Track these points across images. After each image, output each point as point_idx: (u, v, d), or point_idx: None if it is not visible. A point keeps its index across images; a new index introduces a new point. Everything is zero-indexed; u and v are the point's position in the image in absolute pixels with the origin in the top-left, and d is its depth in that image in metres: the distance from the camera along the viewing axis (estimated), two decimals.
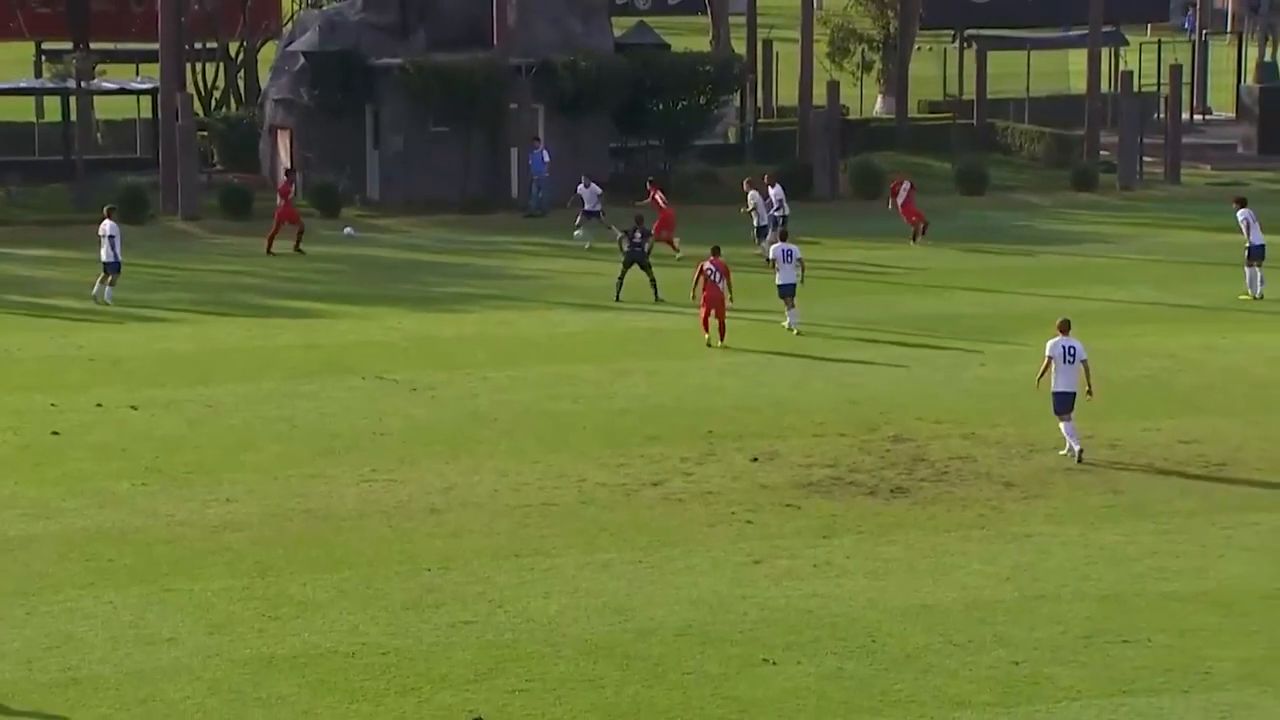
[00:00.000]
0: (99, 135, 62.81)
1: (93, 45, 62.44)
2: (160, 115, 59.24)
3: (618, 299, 42.87)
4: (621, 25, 67.34)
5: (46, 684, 20.83)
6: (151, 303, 43.95)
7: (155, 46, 59.17)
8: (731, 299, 39.27)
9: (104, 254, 43.31)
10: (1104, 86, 67.61)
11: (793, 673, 21.20)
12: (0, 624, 22.64)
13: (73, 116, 61.01)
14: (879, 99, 76.42)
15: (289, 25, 65.79)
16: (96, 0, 64.63)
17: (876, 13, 72.72)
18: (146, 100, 62.70)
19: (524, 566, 24.93)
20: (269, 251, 49.57)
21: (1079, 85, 70.23)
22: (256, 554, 25.46)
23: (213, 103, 66.35)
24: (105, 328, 40.68)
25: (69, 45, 62.72)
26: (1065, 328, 30.09)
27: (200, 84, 65.94)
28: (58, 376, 36.12)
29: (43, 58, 65.38)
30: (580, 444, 31.20)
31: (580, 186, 51.89)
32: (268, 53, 67.96)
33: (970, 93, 71.62)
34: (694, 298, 39.37)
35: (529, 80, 58.65)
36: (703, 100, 61.01)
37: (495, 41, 58.73)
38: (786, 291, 40.48)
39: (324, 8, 63.49)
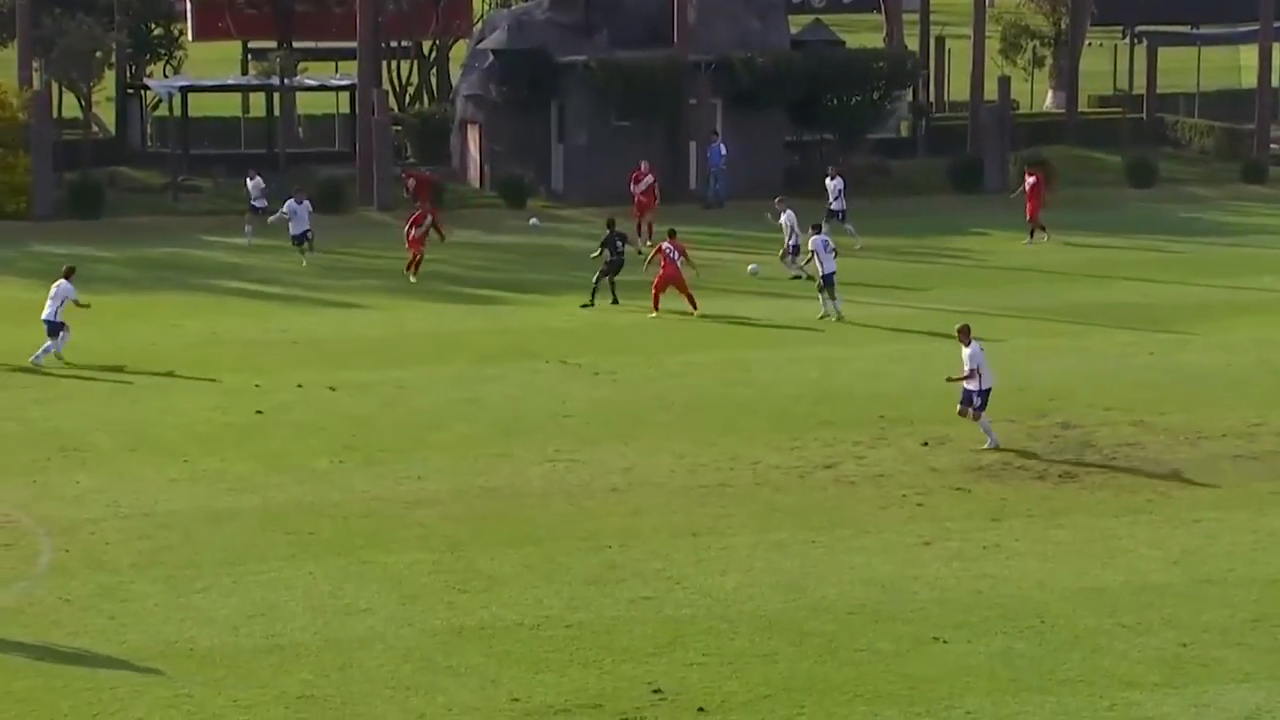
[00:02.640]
0: (300, 130, 63.66)
1: (295, 44, 63.27)
2: (357, 111, 59.92)
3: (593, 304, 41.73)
4: (797, 23, 67.07)
5: (251, 649, 21.13)
6: (348, 289, 44.44)
7: (354, 45, 59.85)
8: (696, 272, 40.71)
9: (46, 312, 35.68)
10: (1275, 81, 66.21)
11: (963, 651, 20.99)
12: (209, 592, 23.01)
13: (276, 112, 61.87)
14: (1049, 94, 75.50)
15: (479, 24, 66.22)
16: (300, 2, 65.43)
17: (1048, 9, 71.77)
18: (345, 96, 63.43)
19: (701, 545, 24.90)
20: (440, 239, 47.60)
21: (1250, 80, 68.85)
22: (446, 529, 25.65)
23: (406, 98, 66.95)
24: (306, 313, 41.19)
25: (274, 44, 63.57)
26: (966, 334, 29.54)
27: (395, 81, 66.56)
28: (261, 358, 36.63)
29: (249, 56, 66.35)
30: (755, 428, 31.12)
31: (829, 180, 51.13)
32: (459, 51, 68.48)
33: (1140, 88, 70.51)
34: (645, 269, 41.24)
35: (708, 76, 58.62)
36: (876, 95, 60.64)
37: (676, 39, 58.74)
38: (830, 282, 40.14)
39: (513, 7, 63.85)
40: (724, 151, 57.32)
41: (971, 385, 29.10)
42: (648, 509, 26.58)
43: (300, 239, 46.69)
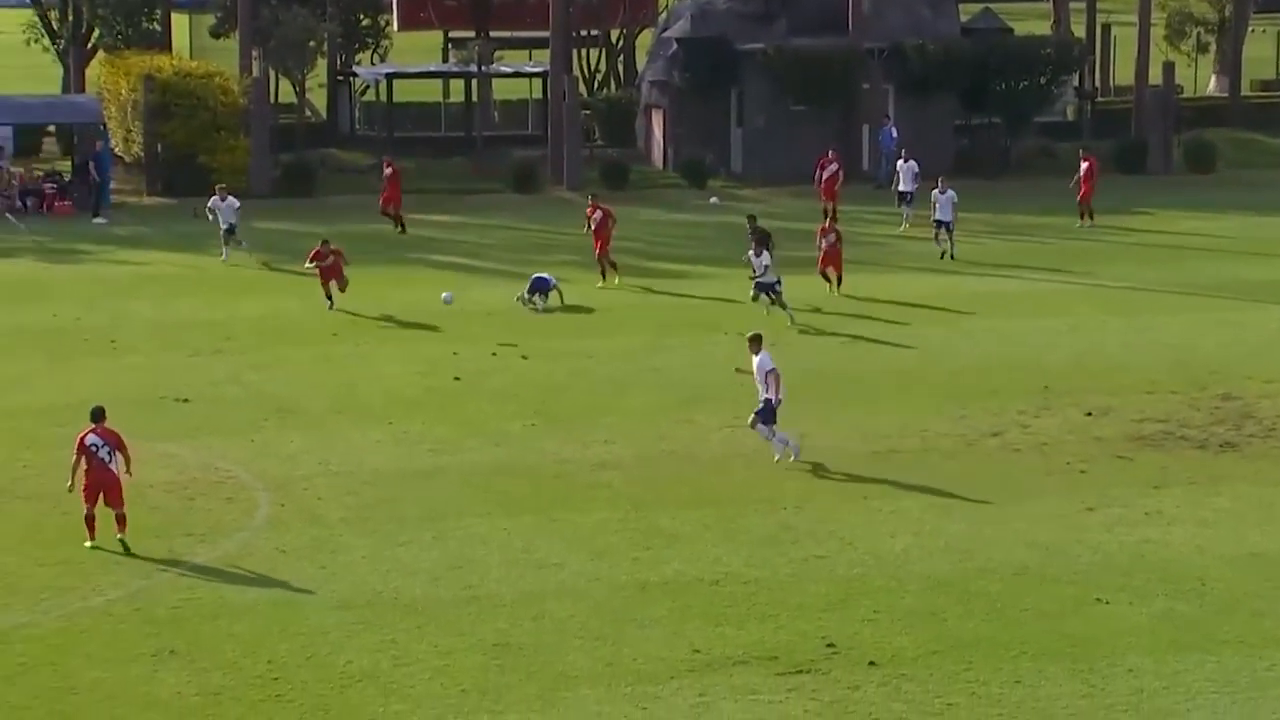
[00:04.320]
0: (496, 114, 64.10)
1: (492, 34, 63.67)
2: (549, 96, 60.22)
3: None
4: (967, 11, 66.30)
5: (450, 600, 21.38)
6: (540, 263, 44.65)
7: (546, 34, 60.17)
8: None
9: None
10: None
11: (1124, 612, 20.71)
12: (411, 545, 23.30)
13: (474, 97, 62.36)
14: (1212, 79, 73.97)
15: (664, 14, 66.26)
16: None
17: None
18: (537, 83, 63.77)
19: (872, 508, 24.78)
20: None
21: None
22: (631, 490, 25.75)
23: (595, 84, 67.18)
24: (500, 286, 41.48)
25: (472, 34, 64.04)
26: (757, 344, 27.23)
27: (584, 68, 66.81)
28: (459, 328, 36.96)
29: (449, 45, 66.89)
30: (922, 397, 30.88)
31: (900, 163, 50.85)
32: (644, 39, 68.55)
33: None
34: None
35: (881, 63, 58.19)
36: (1043, 81, 59.83)
37: (850, 28, 58.39)
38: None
39: None
40: (895, 135, 56.89)
41: (769, 395, 26.68)
42: (822, 473, 26.49)
43: (229, 232, 44.28)
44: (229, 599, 21.35)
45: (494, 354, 34.45)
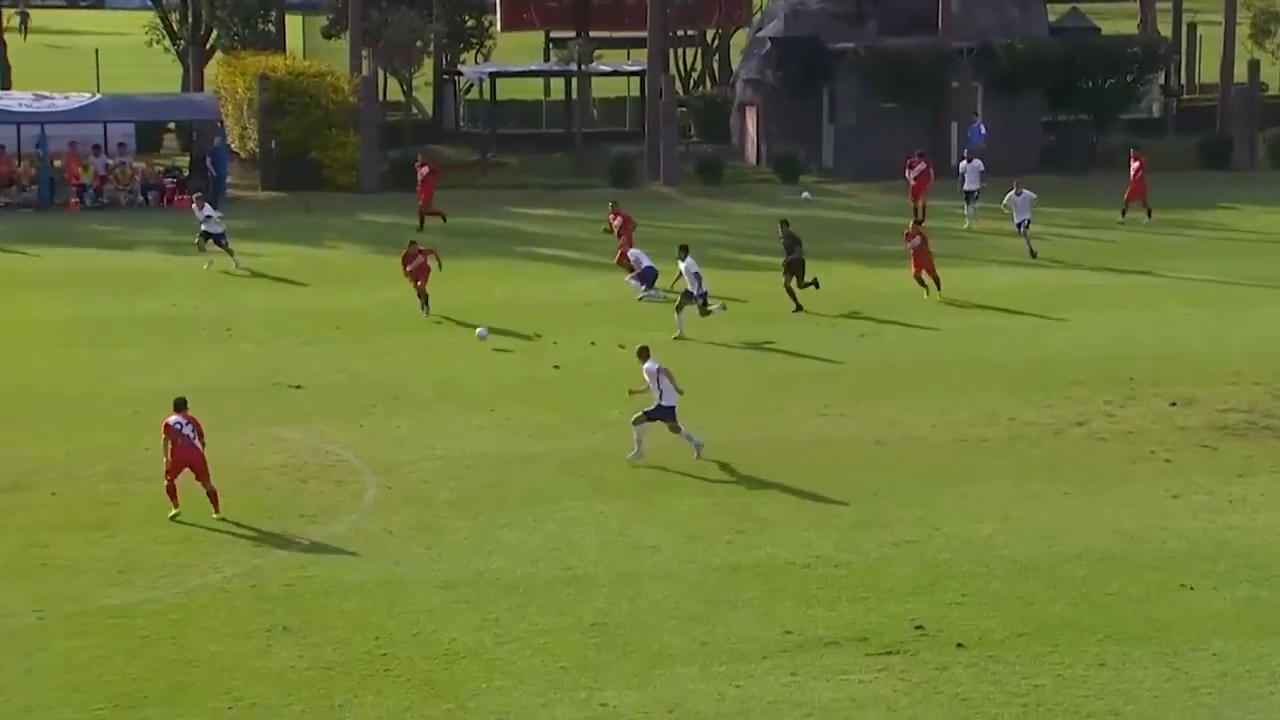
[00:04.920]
0: (595, 111, 64.16)
1: (592, 34, 63.70)
2: (646, 94, 60.20)
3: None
4: (1055, 11, 65.74)
5: (550, 580, 21.43)
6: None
7: (644, 34, 60.14)
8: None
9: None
10: None
11: (1209, 598, 20.48)
12: (512, 528, 23.38)
13: (573, 95, 62.45)
14: None
15: (758, 15, 66.10)
16: None
17: None
18: (635, 81, 63.78)
19: (960, 494, 24.63)
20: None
21: None
22: (723, 475, 25.72)
23: (691, 82, 67.10)
24: (599, 278, 41.53)
25: (572, 34, 64.12)
26: (645, 354, 26.75)
27: (681, 66, 66.75)
28: (559, 318, 37.02)
29: (550, 45, 67.01)
30: (1009, 386, 30.66)
31: (964, 163, 50.15)
32: (739, 39, 68.41)
33: None
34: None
35: (970, 62, 57.77)
36: (1129, 79, 59.25)
37: (940, 27, 57.99)
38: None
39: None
40: (983, 131, 56.47)
41: (665, 401, 26.16)
42: (910, 460, 26.36)
43: (218, 239, 41.97)
44: (339, 577, 21.50)
45: (592, 343, 34.48)
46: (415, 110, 63.42)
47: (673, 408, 26.31)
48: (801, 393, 30.43)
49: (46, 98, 53.26)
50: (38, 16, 74.00)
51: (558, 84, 64.53)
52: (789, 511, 23.95)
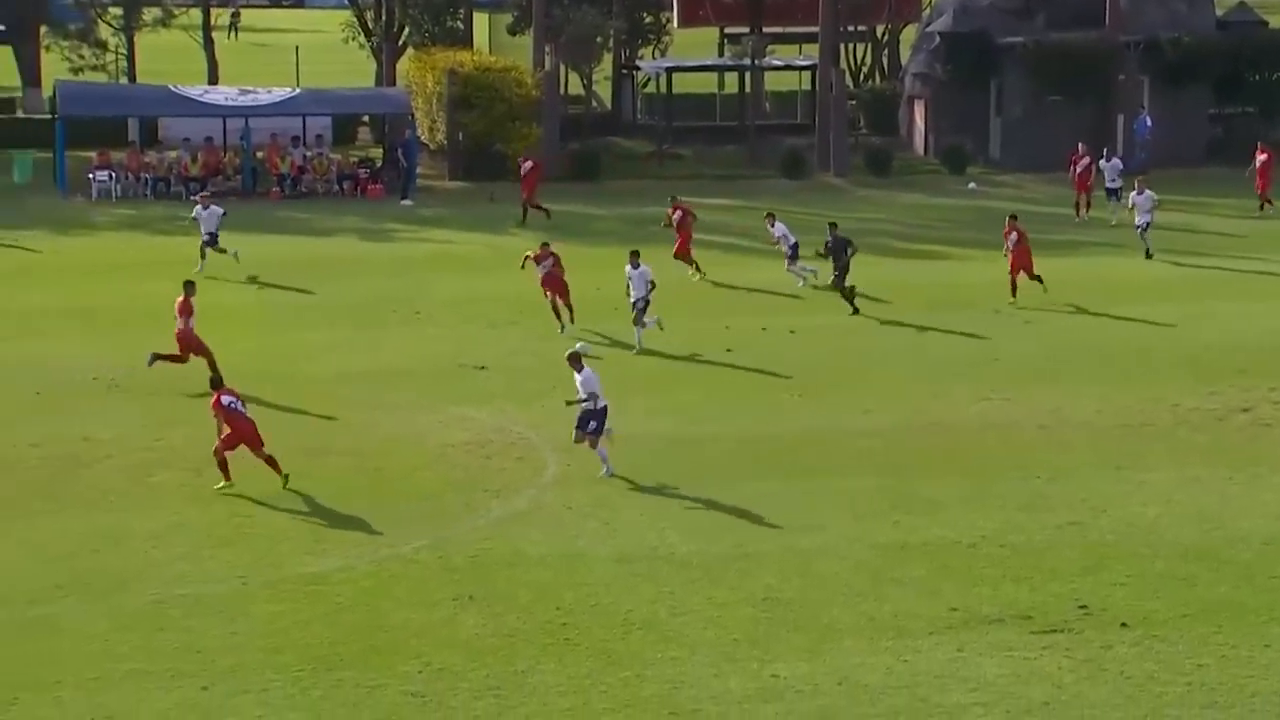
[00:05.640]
0: (767, 105, 63.95)
1: (765, 29, 63.49)
2: (817, 87, 59.88)
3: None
4: (1223, 5, 64.23)
5: (722, 556, 21.43)
6: (803, 243, 44.44)
7: (816, 30, 59.79)
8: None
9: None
10: None
11: None
12: (685, 506, 23.41)
13: (747, 89, 62.30)
14: None
15: (928, 10, 65.43)
16: None
17: None
18: (807, 75, 63.43)
19: (1123, 478, 24.22)
20: None
21: None
22: (889, 458, 25.54)
23: (860, 76, 66.60)
24: (768, 266, 41.39)
25: (746, 30, 63.94)
26: (576, 361, 25.09)
27: (851, 61, 66.25)
28: (731, 304, 36.99)
29: (725, 40, 66.89)
30: (1172, 373, 30.09)
31: (1103, 161, 48.85)
32: (908, 34, 67.78)
33: None
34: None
35: (1136, 56, 56.70)
36: None
37: (1108, 21, 56.99)
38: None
39: None
40: (1149, 124, 55.48)
41: (589, 406, 24.63)
42: (1073, 445, 25.98)
43: (210, 240, 39.67)
44: (521, 550, 21.69)
45: (763, 329, 34.39)
46: (595, 103, 63.68)
47: (605, 409, 24.48)
48: (965, 378, 30.11)
49: (250, 92, 54.27)
50: (242, 16, 75.51)
51: (731, 78, 64.38)
52: (954, 493, 23.72)
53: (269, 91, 54.55)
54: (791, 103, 64.95)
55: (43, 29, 62.55)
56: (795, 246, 38.67)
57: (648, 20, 65.55)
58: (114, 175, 51.96)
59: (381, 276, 40.30)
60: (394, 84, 61.39)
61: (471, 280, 40.22)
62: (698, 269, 39.67)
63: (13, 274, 40.22)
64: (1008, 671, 17.94)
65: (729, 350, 32.59)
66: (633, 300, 32.96)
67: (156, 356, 29.65)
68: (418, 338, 34.00)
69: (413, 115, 57.10)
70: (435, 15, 63.67)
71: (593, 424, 24.63)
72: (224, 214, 40.15)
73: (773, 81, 64.39)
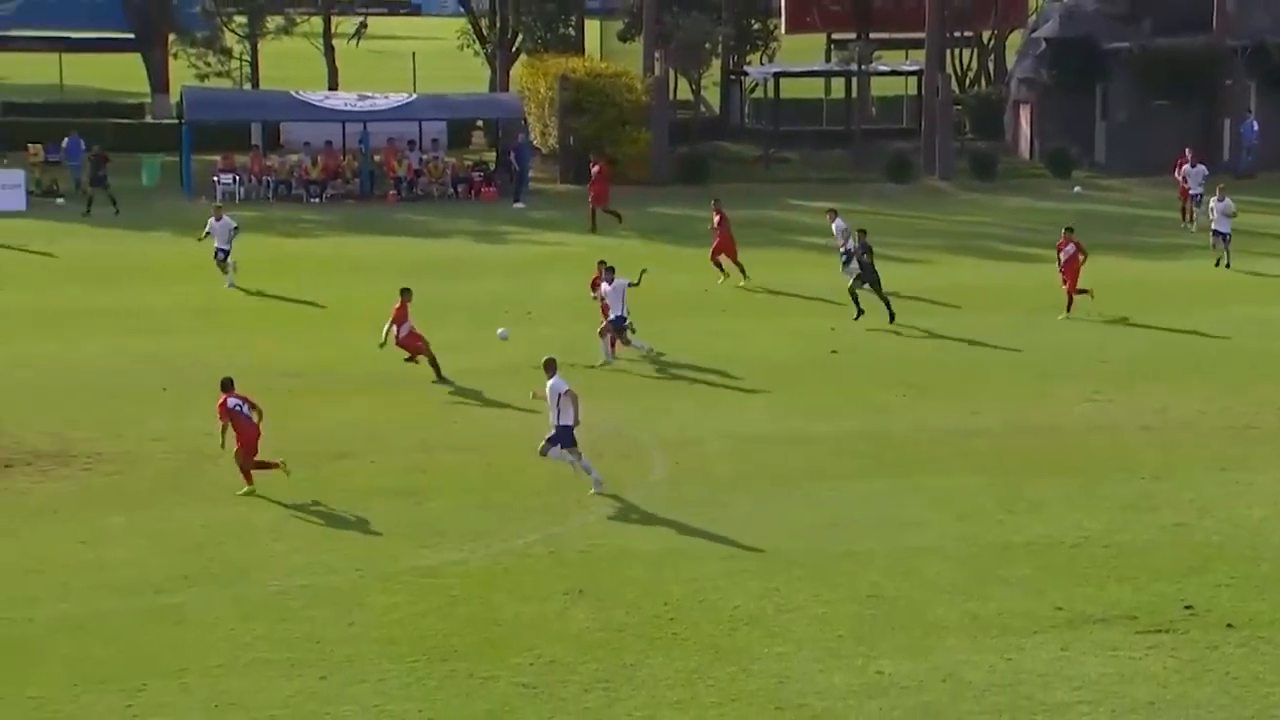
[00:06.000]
0: (873, 109, 63.63)
1: (871, 35, 63.18)
2: (923, 92, 59.50)
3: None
4: None
5: (827, 553, 21.34)
6: (911, 247, 44.25)
7: (922, 36, 59.43)
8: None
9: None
10: None
11: None
12: (790, 503, 23.33)
13: (853, 94, 62.02)
14: None
15: (1034, 16, 64.86)
16: None
17: None
18: (913, 80, 63.04)
19: (1229, 480, 23.87)
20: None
21: None
22: (994, 458, 25.33)
23: (966, 81, 66.11)
24: (880, 267, 41.05)
25: (853, 35, 63.69)
26: (551, 368, 24.00)
27: (957, 66, 65.79)
28: (836, 305, 36.75)
29: (832, 46, 66.65)
30: (1278, 377, 29.56)
31: (1188, 167, 47.96)
32: (1014, 39, 67.17)
33: None
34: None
35: (1243, 60, 55.85)
36: None
37: (1215, 26, 56.17)
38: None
39: (1064, 1, 62.25)
40: (1256, 128, 54.67)
41: (565, 420, 23.50)
42: (1179, 445, 25.64)
43: (222, 255, 38.41)
44: (629, 545, 21.71)
45: (869, 330, 34.20)
46: (703, 108, 63.65)
47: (569, 428, 23.40)
48: (1070, 379, 29.81)
49: (368, 98, 54.76)
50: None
51: (838, 83, 64.13)
52: (1058, 492, 23.48)
53: (386, 97, 55.01)
54: (897, 107, 64.59)
55: (171, 37, 63.49)
56: (849, 254, 37.92)
57: (756, 26, 65.46)
58: (237, 178, 52.64)
59: (495, 277, 40.51)
60: (507, 89, 61.70)
61: (581, 281, 40.23)
62: (723, 273, 38.75)
63: (138, 272, 40.85)
64: (1112, 671, 17.73)
65: (834, 351, 32.44)
66: (615, 316, 31.27)
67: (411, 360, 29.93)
68: (529, 337, 34.09)
69: (525, 120, 57.38)
70: (548, 22, 63.96)
71: (560, 437, 23.35)
72: (236, 228, 38.82)
73: (878, 86, 64.04)
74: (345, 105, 54.50)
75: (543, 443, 23.74)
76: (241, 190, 52.43)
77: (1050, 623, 18.93)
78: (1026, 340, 33.12)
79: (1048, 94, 58.30)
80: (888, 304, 34.46)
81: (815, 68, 65.06)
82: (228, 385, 24.02)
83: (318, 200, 52.12)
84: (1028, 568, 20.62)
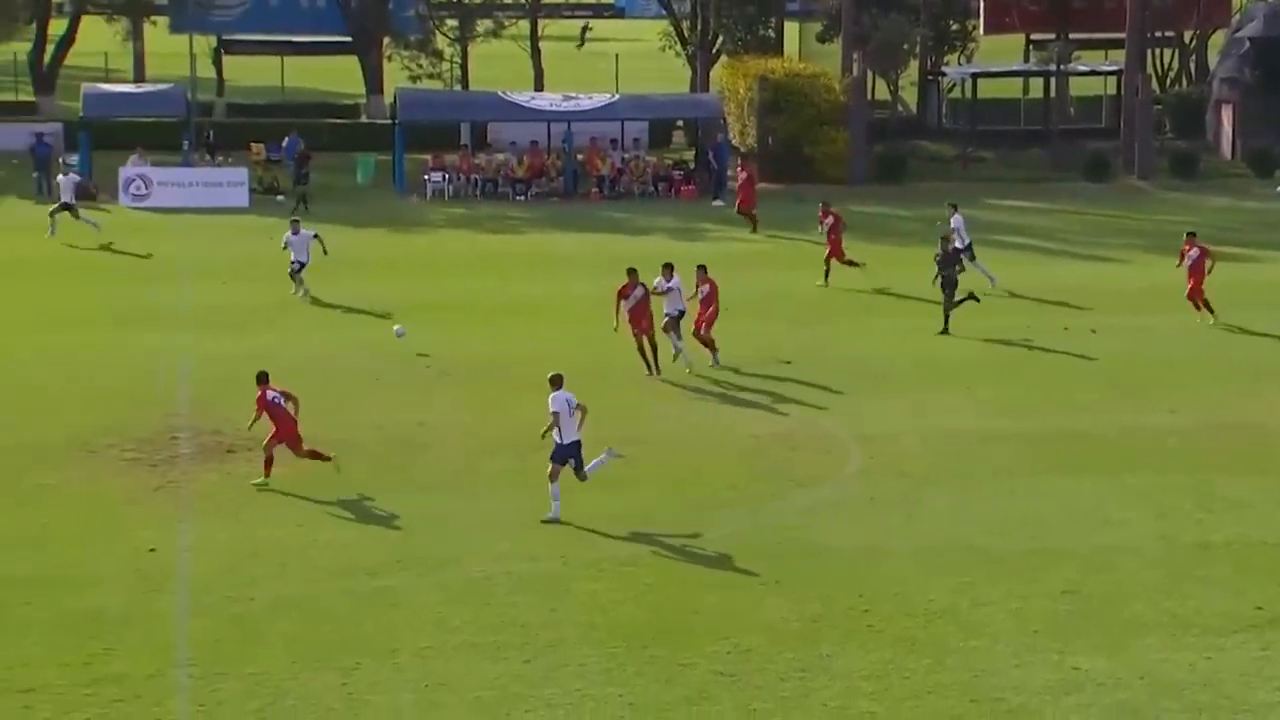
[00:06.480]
0: (1071, 109, 62.52)
1: (1071, 35, 62.08)
2: (1123, 92, 58.30)
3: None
4: None
5: (1022, 550, 21.03)
6: (1111, 245, 43.38)
7: (1122, 36, 58.24)
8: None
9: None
10: None
11: None
12: (985, 500, 23.03)
13: (1051, 94, 61.00)
14: None
15: (1237, 16, 63.17)
16: None
17: None
18: (1112, 80, 61.83)
19: None
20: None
21: None
22: (1194, 456, 24.75)
23: (1167, 81, 64.64)
24: (1071, 266, 40.40)
25: (1052, 36, 62.63)
26: (558, 382, 22.62)
27: (1157, 66, 64.36)
28: (1032, 303, 36.15)
29: (1030, 46, 65.63)
30: None
31: None
32: (1216, 39, 65.52)
33: None
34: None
35: None
36: None
37: None
38: None
39: (1270, 0, 60.58)
40: None
41: (558, 438, 22.35)
42: None
43: (297, 268, 36.65)
44: (824, 538, 21.63)
45: (1065, 328, 33.63)
46: (900, 108, 63.10)
47: (575, 444, 22.28)
48: (1272, 378, 28.99)
49: (573, 98, 55.22)
50: (565, 26, 76.64)
51: (1036, 83, 63.15)
52: (1259, 493, 22.87)
53: (590, 97, 55.40)
54: (1095, 107, 63.37)
55: (385, 41, 64.73)
56: (970, 247, 37.21)
57: (954, 27, 64.70)
58: (447, 176, 53.43)
59: (689, 274, 40.47)
60: (707, 90, 61.77)
61: (776, 278, 40.18)
62: (827, 278, 38.09)
63: (354, 266, 41.67)
64: None
65: (1029, 348, 31.96)
66: (669, 313, 30.25)
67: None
68: (725, 333, 34.09)
69: (725, 120, 57.37)
70: (748, 24, 63.90)
71: (558, 456, 22.37)
72: (315, 235, 37.05)
73: (1076, 86, 62.91)
74: (550, 106, 55.01)
75: (573, 471, 22.42)
76: (450, 188, 53.22)
77: (1251, 622, 18.46)
78: (1226, 339, 32.29)
79: (1251, 93, 56.78)
80: (950, 314, 33.18)
81: (1014, 68, 64.13)
82: (263, 378, 23.82)
83: (523, 198, 52.67)
84: (1227, 567, 20.12)
